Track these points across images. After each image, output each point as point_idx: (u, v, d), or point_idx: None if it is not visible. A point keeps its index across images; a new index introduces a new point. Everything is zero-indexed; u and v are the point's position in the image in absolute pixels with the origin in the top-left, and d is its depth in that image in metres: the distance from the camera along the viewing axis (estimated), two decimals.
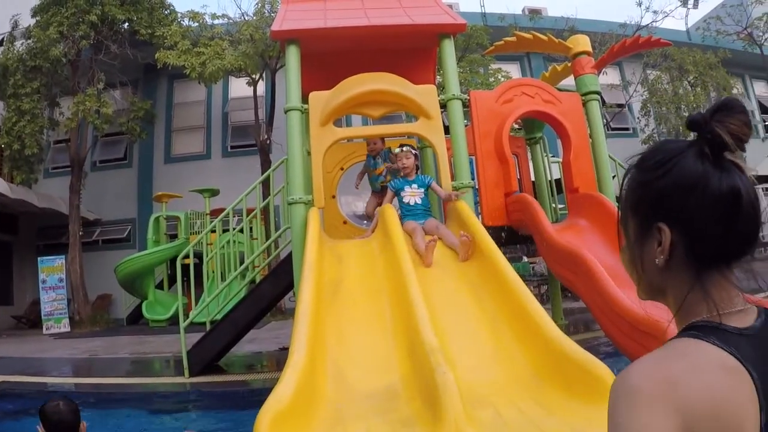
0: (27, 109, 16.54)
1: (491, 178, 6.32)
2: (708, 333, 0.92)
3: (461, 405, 2.50)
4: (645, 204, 1.03)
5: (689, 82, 20.22)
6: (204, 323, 7.25)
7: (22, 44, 17.32)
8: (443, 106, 6.05)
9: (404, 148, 5.82)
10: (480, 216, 6.25)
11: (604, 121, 19.51)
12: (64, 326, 15.93)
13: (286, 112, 5.99)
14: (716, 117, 0.98)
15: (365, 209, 6.87)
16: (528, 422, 2.66)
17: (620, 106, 20.73)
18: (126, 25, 17.62)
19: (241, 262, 7.93)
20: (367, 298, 4.02)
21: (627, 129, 21.85)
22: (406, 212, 5.57)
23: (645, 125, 20.20)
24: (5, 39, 17.71)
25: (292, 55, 6.18)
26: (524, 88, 6.50)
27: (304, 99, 6.01)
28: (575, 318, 9.62)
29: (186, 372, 6.74)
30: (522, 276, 13.43)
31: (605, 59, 7.04)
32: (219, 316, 7.16)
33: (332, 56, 6.75)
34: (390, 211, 5.11)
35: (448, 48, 6.30)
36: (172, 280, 16.53)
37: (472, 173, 6.50)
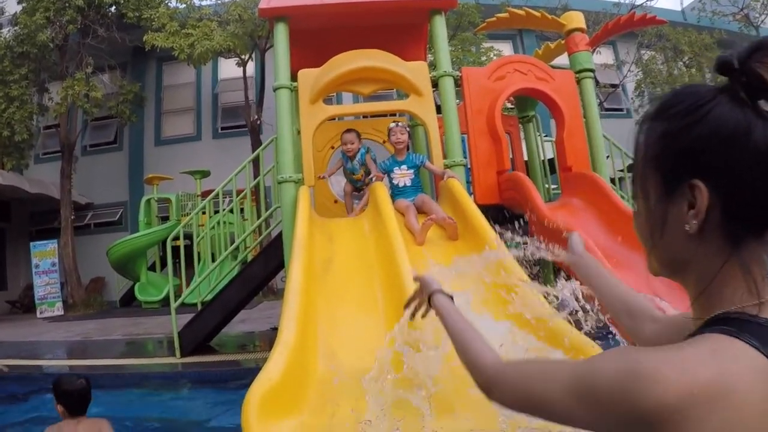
0: (16, 96, 16.39)
1: (483, 156, 6.25)
2: (746, 329, 0.76)
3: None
4: (673, 157, 0.86)
5: (684, 63, 20.10)
6: (195, 304, 7.22)
7: (8, 31, 17.15)
8: (435, 83, 5.98)
9: (399, 124, 5.68)
10: (472, 195, 6.19)
11: (598, 100, 19.45)
12: (58, 310, 15.89)
13: (275, 90, 5.90)
14: (755, 57, 0.81)
15: (343, 188, 6.52)
16: None
17: (614, 86, 20.60)
18: (113, 8, 17.41)
19: (233, 243, 7.90)
20: (358, 277, 3.96)
21: (621, 109, 21.66)
22: (397, 192, 5.50)
23: (639, 106, 20.08)
24: None
25: (281, 33, 6.09)
26: (517, 65, 6.42)
27: (294, 78, 5.93)
28: None
29: (177, 352, 6.71)
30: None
31: (599, 36, 6.97)
32: (210, 297, 7.11)
33: (322, 34, 6.65)
34: (381, 189, 5.04)
35: (439, 24, 6.21)
36: (164, 262, 16.47)
37: (465, 152, 6.43)
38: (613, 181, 7.99)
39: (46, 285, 16.12)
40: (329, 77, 5.64)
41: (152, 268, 17.45)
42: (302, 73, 5.80)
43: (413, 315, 1.66)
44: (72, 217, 17.56)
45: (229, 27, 15.71)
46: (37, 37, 16.07)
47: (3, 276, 19.85)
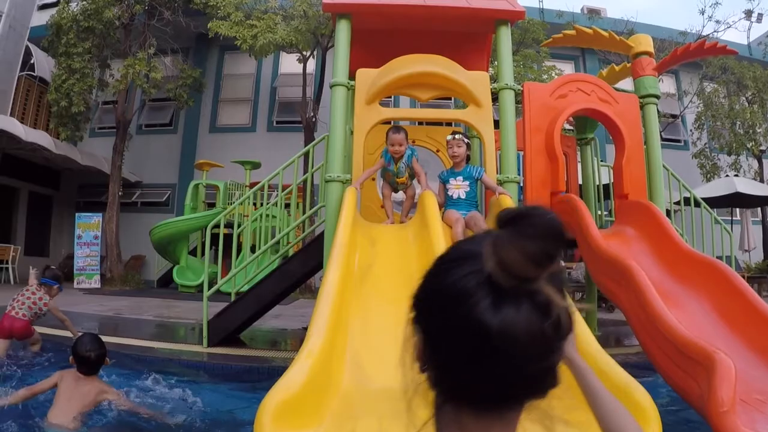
0: (77, 68, 16.75)
1: (539, 175, 6.03)
2: None
3: None
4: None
5: (747, 98, 19.45)
6: (230, 294, 7.15)
7: (76, 5, 17.45)
8: (495, 96, 5.81)
9: (456, 136, 5.41)
10: None
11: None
12: (95, 282, 16.15)
13: (331, 87, 5.82)
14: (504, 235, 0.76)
15: (381, 192, 6.22)
16: None
17: (674, 116, 20.06)
18: None
19: (274, 237, 7.85)
20: (396, 286, 3.79)
21: (678, 141, 21.13)
22: (449, 204, 5.33)
23: (697, 138, 19.52)
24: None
25: (343, 30, 6.00)
26: (580, 84, 6.19)
27: (352, 77, 5.83)
28: (608, 330, 9.23)
29: (204, 341, 6.65)
30: None
31: (667, 61, 6.70)
32: (246, 288, 7.05)
33: (384, 35, 6.54)
34: (429, 198, 4.88)
35: (505, 35, 6.05)
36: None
37: (519, 169, 6.23)
38: (668, 213, 7.71)
39: (86, 257, 16.37)
40: (388, 79, 5.52)
41: (193, 252, 17.61)
42: (361, 72, 5.70)
43: None
44: (119, 193, 17.84)
45: (293, 22, 15.80)
46: (104, 14, 16.37)
47: (46, 243, 20.23)
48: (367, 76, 5.66)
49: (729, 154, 18.49)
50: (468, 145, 5.51)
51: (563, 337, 0.79)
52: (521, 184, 6.17)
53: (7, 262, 16.56)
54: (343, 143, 5.73)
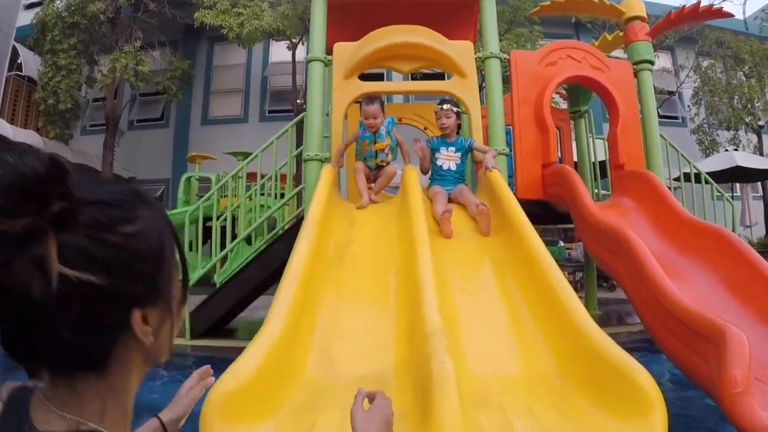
0: (63, 65, 16.52)
1: (528, 147, 5.73)
2: None
3: (458, 403, 1.96)
4: None
5: (744, 72, 19.05)
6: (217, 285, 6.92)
7: (61, 2, 17.25)
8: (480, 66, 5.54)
9: (445, 106, 5.00)
10: (514, 188, 5.71)
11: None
12: None
13: (308, 62, 5.54)
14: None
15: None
16: None
17: (670, 93, 19.68)
18: None
19: (272, 227, 7.64)
20: (373, 268, 3.51)
21: (676, 117, 20.79)
22: (437, 176, 5.00)
23: (695, 114, 19.11)
24: None
25: (319, 2, 5.71)
26: (570, 51, 5.88)
27: (331, 53, 5.55)
28: (609, 309, 8.99)
29: (187, 333, 6.42)
30: (557, 261, 12.96)
31: (661, 26, 6.40)
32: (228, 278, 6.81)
33: (364, 10, 6.26)
34: (411, 174, 4.61)
35: (488, 1, 5.75)
36: (205, 240, 16.35)
37: (509, 144, 5.93)
38: None
39: None
40: (367, 51, 5.26)
41: (191, 246, 17.35)
42: (338, 46, 5.44)
43: None
44: None
45: (279, 8, 15.52)
46: (88, 8, 16.14)
47: None
48: (344, 49, 5.40)
49: (728, 129, 18.16)
50: (458, 114, 5.11)
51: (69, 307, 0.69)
52: (511, 156, 5.87)
53: None
54: (321, 121, 5.46)
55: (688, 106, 19.90)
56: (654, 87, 6.22)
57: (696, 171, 7.39)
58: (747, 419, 2.43)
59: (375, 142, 5.05)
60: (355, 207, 4.56)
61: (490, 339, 2.84)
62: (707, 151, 17.97)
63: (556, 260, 11.04)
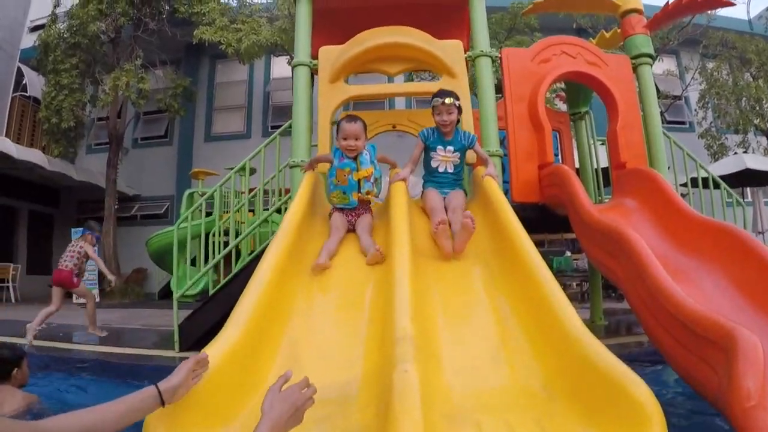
0: (66, 84, 16.83)
1: (524, 147, 5.47)
2: None
3: (420, 418, 1.69)
4: None
5: (751, 73, 18.73)
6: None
7: (63, 23, 17.66)
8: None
9: (447, 100, 4.30)
10: (509, 191, 5.49)
11: (659, 110, 18.20)
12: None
13: (293, 68, 5.39)
14: None
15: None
16: None
17: (676, 97, 19.34)
18: (167, 4, 17.63)
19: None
20: (351, 276, 3.27)
21: (683, 122, 20.48)
22: (432, 178, 4.43)
23: (702, 118, 18.71)
24: (48, 19, 18.00)
25: (303, 6, 5.58)
26: (565, 47, 5.65)
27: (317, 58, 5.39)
28: (617, 319, 8.62)
29: (176, 345, 6.31)
30: (563, 272, 12.65)
31: (659, 17, 6.13)
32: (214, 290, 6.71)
33: (350, 14, 6.10)
34: (399, 186, 4.20)
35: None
36: (207, 257, 16.27)
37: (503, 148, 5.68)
38: None
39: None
40: (352, 53, 5.11)
41: (194, 262, 17.28)
42: (324, 50, 5.28)
43: None
44: (115, 207, 17.84)
45: (277, 22, 15.57)
46: (88, 28, 16.40)
47: (48, 261, 20.13)
48: (330, 53, 5.24)
49: (736, 132, 17.78)
50: (459, 110, 4.41)
51: None
52: (506, 158, 5.64)
53: (7, 281, 16.63)
54: (307, 127, 5.31)
55: (695, 110, 19.47)
56: (659, 91, 5.97)
57: (705, 174, 7.09)
58: None
59: (357, 170, 4.07)
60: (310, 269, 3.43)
61: (473, 349, 2.58)
62: (716, 156, 17.57)
63: (563, 271, 10.74)
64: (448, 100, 4.31)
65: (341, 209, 4.04)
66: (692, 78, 18.98)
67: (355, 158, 4.08)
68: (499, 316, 2.84)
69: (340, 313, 2.93)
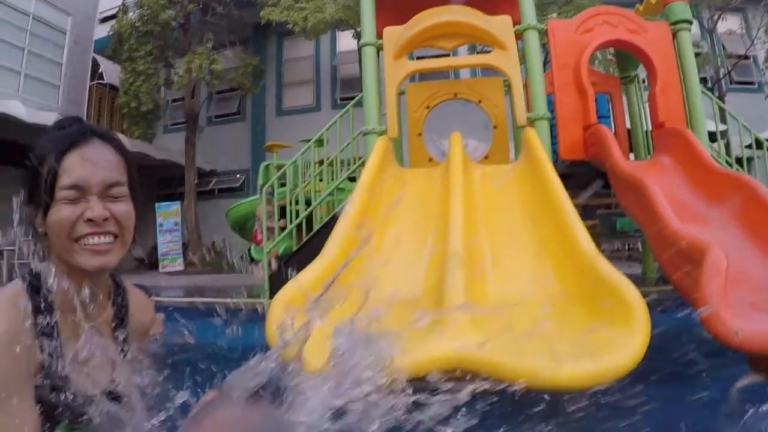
0: (142, 70, 17.97)
1: (569, 111, 6.11)
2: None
3: (465, 305, 2.47)
4: None
5: None
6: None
7: (134, 13, 18.63)
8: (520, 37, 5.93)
9: None
10: (557, 150, 6.11)
11: (725, 71, 17.74)
12: (179, 265, 17.29)
13: (360, 48, 6.09)
14: None
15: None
16: (538, 334, 2.61)
17: (740, 57, 18.46)
18: None
19: None
20: (417, 218, 4.07)
21: (752, 83, 19.69)
22: None
23: None
24: (119, 10, 19.00)
25: None
26: (606, 16, 6.20)
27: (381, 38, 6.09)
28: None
29: (267, 294, 7.16)
30: (626, 232, 12.99)
31: None
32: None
33: None
34: (457, 145, 5.06)
35: None
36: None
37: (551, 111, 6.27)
38: (739, 161, 7.52)
39: (168, 242, 17.55)
40: (412, 32, 5.74)
41: None
42: (387, 30, 5.94)
43: None
44: (195, 182, 18.80)
45: (340, 0, 16.11)
46: (159, 17, 17.43)
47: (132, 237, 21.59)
48: (393, 32, 5.90)
49: None
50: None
51: None
52: (554, 122, 6.23)
53: None
54: (376, 99, 5.99)
55: (763, 70, 18.59)
56: (725, 50, 6.38)
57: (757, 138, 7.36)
58: (719, 329, 2.80)
59: None
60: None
61: (511, 268, 3.38)
62: None
63: (626, 231, 11.00)
64: None
65: None
66: (756, 36, 18.23)
67: None
68: (534, 246, 3.58)
69: (407, 244, 3.71)
